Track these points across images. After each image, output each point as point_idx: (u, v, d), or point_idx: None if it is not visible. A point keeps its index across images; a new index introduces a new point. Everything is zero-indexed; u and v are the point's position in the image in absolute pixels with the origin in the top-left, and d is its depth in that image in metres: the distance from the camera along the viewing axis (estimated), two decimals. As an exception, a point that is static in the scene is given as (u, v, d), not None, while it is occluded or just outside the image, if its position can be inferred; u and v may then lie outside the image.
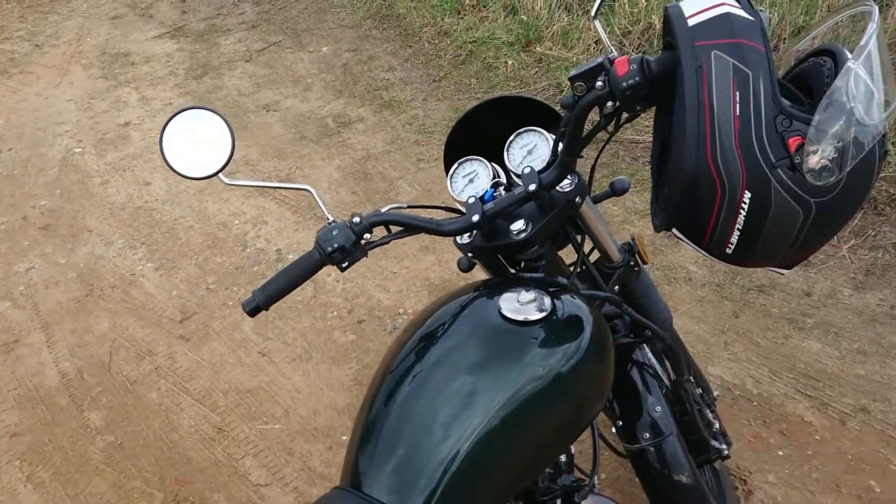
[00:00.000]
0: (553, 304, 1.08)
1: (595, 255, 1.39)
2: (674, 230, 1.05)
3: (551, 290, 1.12)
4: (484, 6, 4.64)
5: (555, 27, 4.15)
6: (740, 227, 0.94)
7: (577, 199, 1.19)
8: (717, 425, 1.63)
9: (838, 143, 0.88)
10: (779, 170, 0.90)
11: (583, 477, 1.30)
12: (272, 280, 1.18)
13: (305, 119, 4.07)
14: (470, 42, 4.34)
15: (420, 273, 2.82)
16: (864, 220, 2.71)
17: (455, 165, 1.32)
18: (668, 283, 2.62)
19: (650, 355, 1.52)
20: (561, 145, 1.13)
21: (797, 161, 0.89)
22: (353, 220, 1.14)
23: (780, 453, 2.04)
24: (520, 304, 1.07)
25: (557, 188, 1.19)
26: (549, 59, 4.01)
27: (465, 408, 0.98)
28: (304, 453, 2.18)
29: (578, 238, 1.32)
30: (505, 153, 1.29)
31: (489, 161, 1.30)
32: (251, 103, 4.30)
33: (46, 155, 3.98)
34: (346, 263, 1.15)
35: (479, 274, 1.31)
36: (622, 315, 1.47)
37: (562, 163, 1.14)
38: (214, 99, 4.38)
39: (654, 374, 1.49)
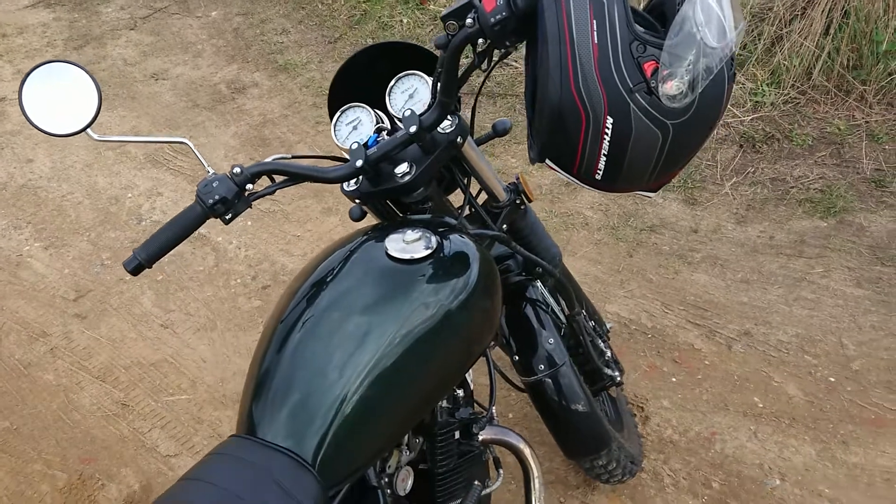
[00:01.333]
0: (439, 242, 1.10)
1: (482, 198, 1.42)
2: (547, 161, 1.09)
3: (439, 230, 1.14)
4: (376, -35, 4.57)
5: (448, -16, 4.14)
6: (606, 153, 0.99)
7: (458, 140, 1.21)
8: (609, 354, 1.71)
9: (689, 66, 0.92)
10: (636, 94, 0.94)
11: (481, 410, 1.34)
12: (154, 237, 1.13)
13: (197, 87, 3.93)
14: (364, 2, 4.27)
15: (324, 235, 2.80)
16: (744, 158, 2.87)
17: (338, 113, 1.31)
18: (566, 229, 2.70)
19: (543, 292, 1.58)
20: (439, 86, 1.14)
21: (653, 85, 0.94)
22: (234, 171, 1.11)
23: (674, 380, 2.16)
24: (405, 244, 1.08)
25: (438, 129, 1.20)
26: (444, 17, 4.00)
27: (355, 348, 0.99)
28: (213, 421, 2.15)
29: (465, 181, 1.34)
30: (387, 98, 1.29)
31: (372, 108, 1.30)
32: (138, 73, 4.11)
33: (-87, 136, 3.71)
34: (230, 216, 1.13)
35: (372, 222, 1.32)
36: (514, 255, 1.52)
37: (440, 104, 1.15)
38: (98, 70, 4.16)
39: (546, 310, 1.55)
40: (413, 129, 1.14)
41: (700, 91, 0.95)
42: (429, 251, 1.07)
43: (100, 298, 2.62)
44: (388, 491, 1.10)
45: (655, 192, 1.09)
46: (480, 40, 1.06)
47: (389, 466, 1.13)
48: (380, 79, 1.31)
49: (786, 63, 2.92)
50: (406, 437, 1.17)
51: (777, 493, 1.84)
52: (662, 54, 0.93)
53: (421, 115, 1.17)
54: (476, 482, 1.26)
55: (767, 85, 2.96)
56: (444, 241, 1.11)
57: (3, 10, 4.98)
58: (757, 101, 2.95)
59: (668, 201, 2.78)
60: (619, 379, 1.70)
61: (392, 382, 0.99)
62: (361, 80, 1.34)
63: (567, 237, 2.67)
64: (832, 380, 2.10)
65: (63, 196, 3.15)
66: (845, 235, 2.54)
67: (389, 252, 1.07)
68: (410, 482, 1.16)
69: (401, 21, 4.07)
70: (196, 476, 0.90)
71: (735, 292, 2.41)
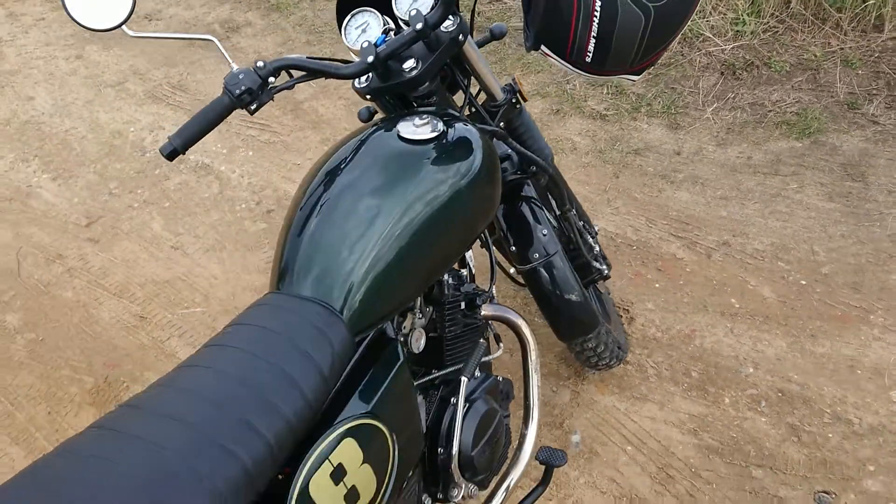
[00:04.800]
0: (446, 127, 1.23)
1: (482, 99, 1.55)
2: (542, 47, 1.21)
3: (445, 118, 1.27)
4: None
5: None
6: (595, 35, 1.11)
7: (459, 37, 1.33)
8: (597, 249, 1.86)
9: (668, -48, 1.05)
10: (622, -22, 1.07)
11: (483, 289, 1.49)
12: (186, 125, 1.24)
13: (191, 26, 3.99)
14: (353, -60, 4.30)
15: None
16: (725, 84, 3.00)
17: (348, 17, 1.43)
18: (555, 154, 2.82)
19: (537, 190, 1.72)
20: None
21: (638, -29, 1.06)
22: (258, 65, 1.22)
23: (657, 286, 2.32)
24: (416, 127, 1.21)
25: (442, 28, 1.32)
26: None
27: (374, 216, 1.12)
28: (227, 330, 2.29)
29: (465, 81, 1.47)
30: (393, 2, 1.40)
31: (379, 12, 1.41)
32: (133, 14, 4.14)
33: (-88, 77, 3.75)
34: (255, 106, 1.24)
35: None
36: (510, 157, 1.66)
37: (444, 3, 1.26)
38: (91, 11, 4.19)
39: (540, 207, 1.69)
40: (419, 26, 1.26)
41: (678, -24, 1.07)
42: (437, 133, 1.20)
43: (111, 224, 2.73)
44: (405, 346, 1.25)
45: (639, 75, 1.22)
46: None
47: (405, 327, 1.28)
48: None
49: (766, -8, 3.04)
50: (419, 302, 1.31)
51: (750, 380, 2.01)
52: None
53: (426, 14, 1.29)
54: (477, 348, 1.41)
55: (748, 14, 3.07)
56: (450, 127, 1.24)
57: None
58: (738, 31, 3.06)
59: (653, 126, 2.92)
60: (606, 272, 1.85)
61: (407, 246, 1.12)
62: None
63: (557, 161, 2.79)
64: (803, 283, 2.27)
65: (66, 131, 3.24)
66: (819, 154, 2.69)
67: (401, 134, 1.20)
68: (423, 342, 1.31)
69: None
70: (244, 321, 1.04)
71: (715, 208, 2.56)
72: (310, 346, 0.99)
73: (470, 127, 1.28)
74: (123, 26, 1.25)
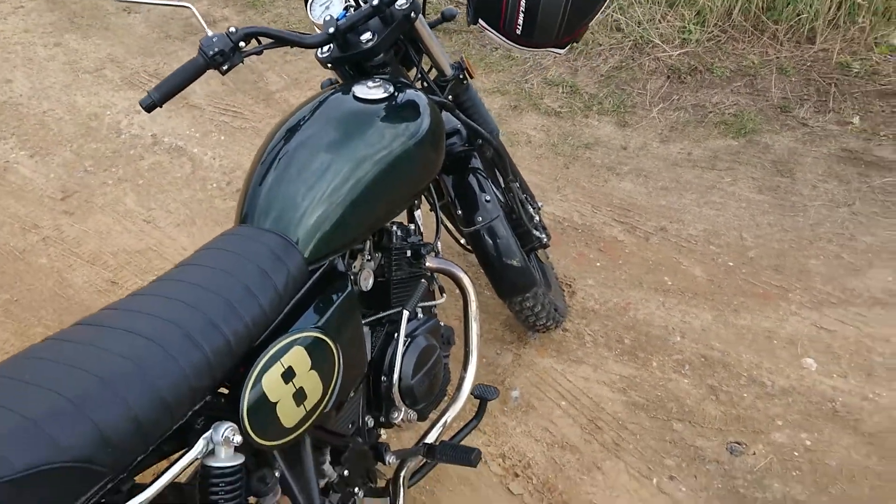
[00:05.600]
0: (396, 91, 1.40)
1: (433, 75, 1.72)
2: (480, 21, 1.39)
3: (397, 84, 1.44)
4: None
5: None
6: (524, 9, 1.30)
7: (412, 14, 1.50)
8: (537, 219, 2.04)
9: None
10: (545, -41, 1.25)
11: (428, 242, 1.66)
12: (164, 81, 1.39)
13: (168, 19, 4.13)
14: (329, -56, 4.49)
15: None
16: (671, 87, 3.22)
17: (313, -5, 1.60)
18: (511, 146, 3.02)
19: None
20: None
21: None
22: (230, 30, 1.38)
23: (598, 264, 2.51)
24: (369, 89, 1.38)
25: (396, 6, 1.50)
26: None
27: (330, 162, 1.28)
28: (195, 296, 2.43)
29: (417, 58, 1.64)
30: (353, -19, 1.58)
31: None
32: (110, 6, 4.29)
33: None
34: (226, 67, 1.39)
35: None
36: (459, 131, 1.83)
37: (398, -17, 1.44)
38: (71, 2, 4.32)
39: (485, 177, 1.87)
40: (375, 2, 1.43)
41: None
42: (388, 94, 1.37)
43: (85, 199, 2.86)
44: (354, 283, 1.41)
45: (563, 48, 1.41)
46: None
47: (355, 266, 1.44)
48: None
49: (710, 4, 3.27)
50: (368, 246, 1.47)
51: (677, 347, 2.20)
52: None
53: (382, -7, 1.46)
54: (419, 286, 1.58)
55: (693, 24, 3.31)
56: (400, 91, 1.42)
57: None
58: (684, 38, 3.29)
59: (603, 123, 3.12)
60: (545, 241, 2.03)
61: (357, 191, 1.28)
62: None
63: (513, 153, 2.98)
64: (731, 264, 2.47)
65: (44, 112, 3.36)
66: (752, 152, 2.91)
67: (356, 94, 1.37)
68: (371, 282, 1.47)
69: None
70: (212, 246, 1.19)
71: (655, 197, 2.76)
72: (269, 266, 1.15)
73: (419, 93, 1.45)
74: (111, -8, 1.39)
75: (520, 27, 1.32)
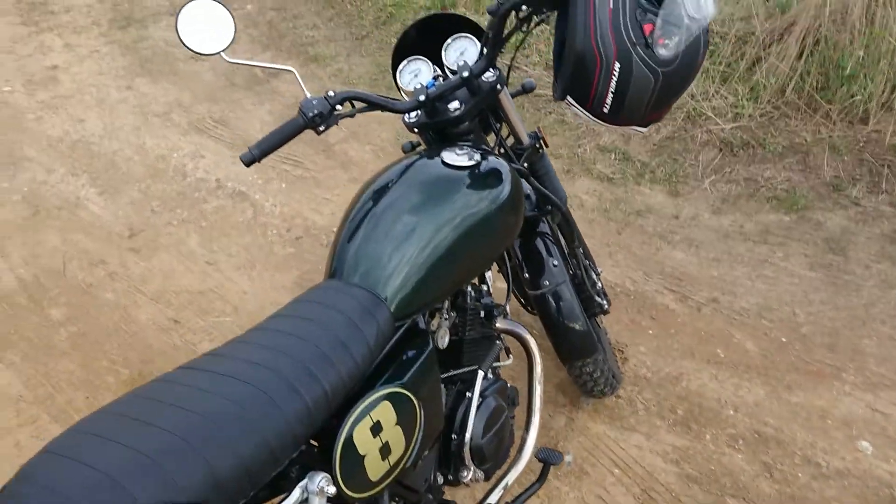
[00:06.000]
0: (482, 158, 1.47)
1: (510, 142, 1.80)
2: (568, 97, 1.46)
3: (481, 151, 1.52)
4: (403, -26, 4.98)
5: (469, -6, 4.56)
6: (613, 90, 1.36)
7: (498, 86, 1.59)
8: (600, 286, 2.08)
9: (675, 29, 1.31)
10: (638, 47, 1.32)
11: (499, 304, 1.71)
12: (264, 139, 1.48)
13: (234, 69, 4.30)
14: (391, 5, 4.68)
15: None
16: (723, 160, 3.28)
17: (403, 63, 1.70)
18: (564, 209, 3.08)
19: (552, 227, 1.96)
20: (487, 44, 1.52)
21: (650, 41, 1.32)
22: (329, 94, 1.47)
23: (650, 332, 2.53)
24: (457, 155, 1.46)
25: (483, 78, 1.58)
26: (463, 24, 4.41)
27: (418, 225, 1.35)
28: (254, 339, 2.49)
29: (498, 125, 1.72)
30: (443, 53, 1.68)
31: (430, 61, 1.69)
32: (180, 53, 4.48)
33: (-28, 93, 4.05)
34: (323, 127, 1.48)
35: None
36: (529, 196, 1.90)
37: (487, 57, 1.53)
38: (142, 48, 4.53)
39: (553, 242, 1.93)
40: (466, 73, 1.52)
41: (682, 49, 1.33)
42: (474, 162, 1.44)
43: (151, 238, 2.96)
44: (432, 338, 1.46)
45: (646, 127, 1.47)
46: (524, 7, 1.44)
47: (433, 325, 1.49)
48: (435, 40, 1.70)
49: (763, 81, 3.35)
50: (446, 306, 1.52)
51: (730, 420, 2.20)
52: (657, 20, 1.31)
53: (472, 65, 1.55)
54: (493, 348, 1.62)
55: (747, 99, 3.38)
56: (485, 159, 1.49)
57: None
58: (737, 113, 3.36)
59: (655, 191, 3.18)
60: (606, 307, 2.07)
61: (441, 252, 1.34)
62: (420, 41, 1.73)
63: (565, 215, 3.05)
64: (784, 340, 2.48)
65: (114, 152, 3.50)
66: (804, 228, 2.94)
67: (445, 160, 1.44)
68: (447, 340, 1.51)
69: (423, 25, 4.46)
70: (304, 298, 1.25)
71: (707, 268, 2.79)
72: (359, 321, 1.21)
73: (502, 161, 1.52)
74: (222, 53, 1.49)
75: (608, 106, 1.38)
